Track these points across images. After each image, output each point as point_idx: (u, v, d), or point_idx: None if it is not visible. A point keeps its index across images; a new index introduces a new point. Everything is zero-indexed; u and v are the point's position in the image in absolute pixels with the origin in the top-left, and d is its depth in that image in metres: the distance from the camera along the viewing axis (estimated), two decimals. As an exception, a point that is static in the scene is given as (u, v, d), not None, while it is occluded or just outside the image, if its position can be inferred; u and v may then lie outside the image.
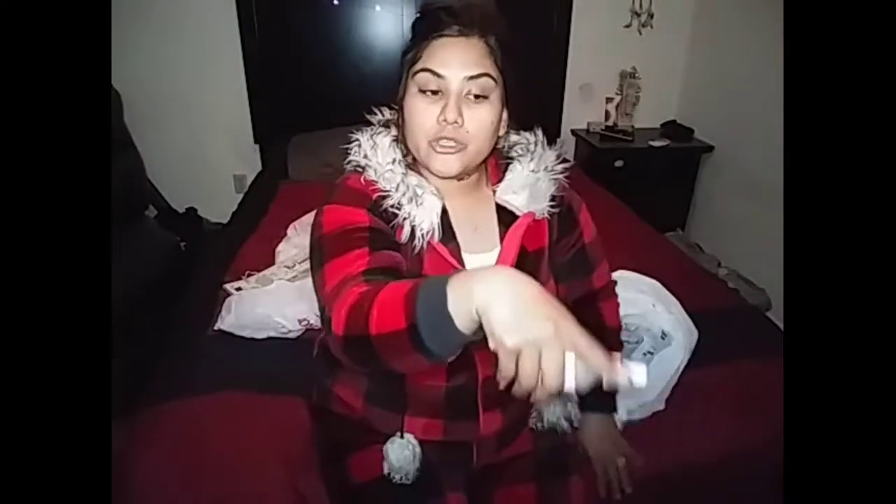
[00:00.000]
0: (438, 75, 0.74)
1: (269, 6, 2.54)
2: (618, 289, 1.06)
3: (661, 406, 1.18)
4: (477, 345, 0.74)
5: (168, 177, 2.70)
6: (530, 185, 0.84)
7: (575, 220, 0.92)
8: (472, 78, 0.74)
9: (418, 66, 0.75)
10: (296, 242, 1.81)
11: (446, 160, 0.77)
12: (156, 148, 2.56)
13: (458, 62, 0.74)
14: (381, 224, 0.77)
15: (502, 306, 0.49)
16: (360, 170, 0.82)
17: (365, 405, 0.91)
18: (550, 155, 0.86)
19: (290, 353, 1.34)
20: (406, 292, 0.55)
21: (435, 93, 0.75)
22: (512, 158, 0.87)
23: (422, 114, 0.76)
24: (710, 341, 1.27)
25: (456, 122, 0.74)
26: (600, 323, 1.01)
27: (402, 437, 0.87)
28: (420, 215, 0.77)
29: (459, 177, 0.81)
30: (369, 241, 0.72)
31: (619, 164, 2.78)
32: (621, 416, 1.11)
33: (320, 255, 0.73)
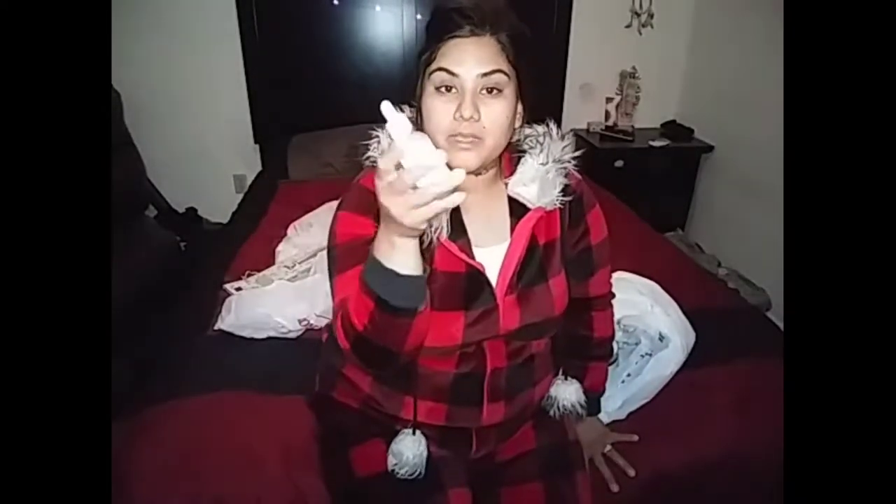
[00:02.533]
0: (453, 74, 0.76)
1: (270, 6, 2.54)
2: (617, 290, 1.06)
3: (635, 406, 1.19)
4: (489, 338, 0.85)
5: (168, 177, 2.70)
6: (540, 177, 0.85)
7: (582, 214, 0.93)
8: (485, 75, 0.76)
9: (433, 65, 0.78)
10: (296, 242, 1.81)
11: (465, 156, 0.78)
12: (156, 148, 2.56)
13: (472, 60, 0.76)
14: None
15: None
16: (375, 165, 0.83)
17: (373, 385, 0.92)
18: (558, 146, 0.87)
19: (290, 353, 1.34)
20: (359, 283, 0.69)
21: (450, 90, 0.77)
22: (524, 151, 0.88)
23: (439, 111, 0.78)
24: (709, 341, 1.27)
25: (472, 117, 0.75)
26: (587, 335, 1.02)
27: (414, 433, 0.89)
28: None
29: (477, 171, 0.83)
30: None
31: (619, 164, 2.78)
32: (605, 407, 1.13)
33: (332, 265, 0.82)
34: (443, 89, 0.77)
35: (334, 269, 0.82)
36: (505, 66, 0.77)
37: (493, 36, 0.77)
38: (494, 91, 0.77)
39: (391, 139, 0.61)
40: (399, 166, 0.60)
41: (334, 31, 2.65)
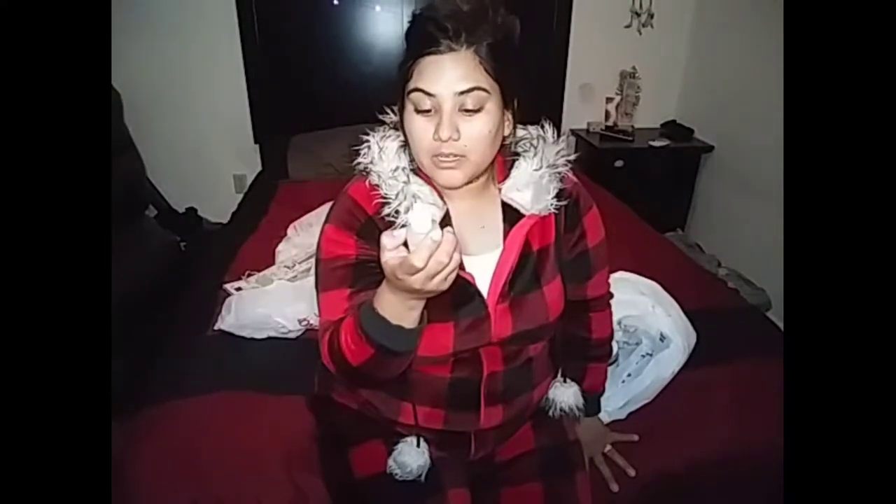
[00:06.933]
0: (430, 94, 0.74)
1: (270, 6, 2.54)
2: (617, 290, 1.05)
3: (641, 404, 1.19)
4: (483, 345, 0.84)
5: (168, 177, 2.70)
6: (534, 182, 0.84)
7: (579, 217, 0.92)
8: (463, 93, 0.74)
9: (410, 85, 0.76)
10: (296, 242, 1.81)
11: (449, 175, 0.77)
12: (156, 148, 2.56)
13: (448, 79, 0.73)
14: (370, 250, 0.80)
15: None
16: (365, 173, 0.83)
17: (369, 390, 0.92)
18: (552, 150, 0.85)
19: (290, 353, 1.34)
20: (356, 330, 0.72)
21: (429, 111, 0.75)
22: (518, 154, 0.86)
23: (419, 131, 0.76)
24: (709, 341, 1.27)
25: (451, 138, 0.74)
26: (585, 336, 1.01)
27: (418, 445, 0.88)
28: None
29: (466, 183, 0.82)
30: (353, 280, 0.81)
31: (619, 164, 2.78)
32: (606, 407, 1.13)
33: (317, 279, 0.84)
34: (422, 110, 0.75)
35: (319, 285, 0.84)
36: (484, 82, 0.74)
37: (470, 48, 0.73)
38: (473, 110, 0.74)
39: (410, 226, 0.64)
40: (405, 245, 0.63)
41: (334, 31, 2.65)
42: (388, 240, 0.63)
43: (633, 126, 2.96)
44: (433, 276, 0.63)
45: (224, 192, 2.84)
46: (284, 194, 2.34)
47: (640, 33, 2.91)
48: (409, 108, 0.77)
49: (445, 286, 0.65)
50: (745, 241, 2.63)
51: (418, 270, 0.61)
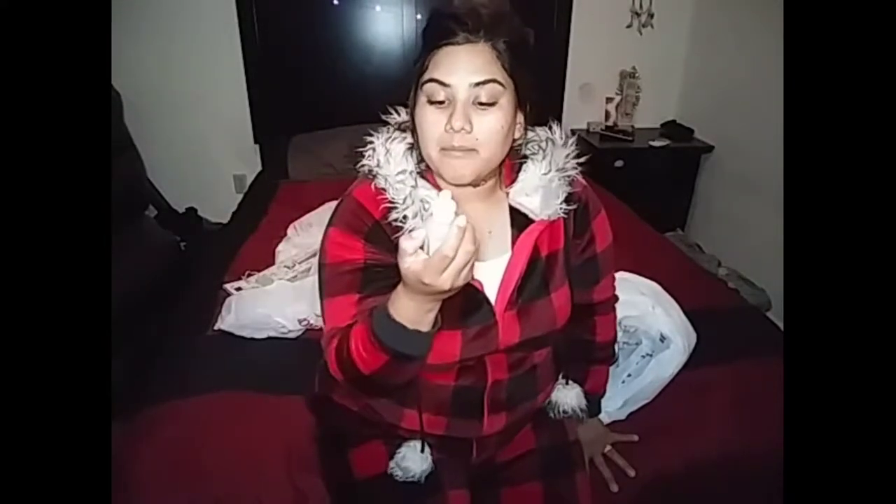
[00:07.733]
0: (445, 84, 0.73)
1: (269, 6, 2.54)
2: (618, 291, 1.05)
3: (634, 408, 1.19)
4: (489, 353, 0.83)
5: (168, 177, 2.70)
6: (543, 186, 0.82)
7: (588, 222, 0.90)
8: (478, 84, 0.73)
9: (425, 76, 0.75)
10: (296, 242, 1.81)
11: (458, 168, 0.75)
12: (156, 148, 2.56)
13: (464, 69, 0.72)
14: (378, 254, 0.78)
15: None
16: (371, 176, 0.80)
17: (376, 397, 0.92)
18: (561, 153, 0.83)
19: (290, 353, 1.34)
20: (368, 337, 0.70)
21: (443, 102, 0.74)
22: (526, 157, 0.85)
23: (431, 124, 0.75)
24: (710, 341, 1.27)
25: (464, 129, 0.72)
26: (589, 339, 1.01)
27: (422, 450, 0.88)
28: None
29: (474, 183, 0.80)
30: (361, 285, 0.78)
31: (619, 164, 2.78)
32: (606, 407, 1.13)
33: (321, 284, 0.81)
34: (436, 102, 0.74)
35: (324, 291, 0.81)
36: (500, 76, 0.73)
37: (488, 42, 0.73)
38: (488, 103, 0.74)
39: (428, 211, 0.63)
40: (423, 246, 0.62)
41: (334, 31, 2.65)
42: (408, 243, 0.61)
43: (633, 126, 2.96)
44: (461, 270, 0.62)
45: (224, 192, 2.83)
46: (284, 194, 2.34)
47: (640, 33, 2.91)
48: (422, 100, 0.75)
49: (470, 278, 0.65)
50: (745, 241, 2.63)
51: (450, 262, 0.60)
